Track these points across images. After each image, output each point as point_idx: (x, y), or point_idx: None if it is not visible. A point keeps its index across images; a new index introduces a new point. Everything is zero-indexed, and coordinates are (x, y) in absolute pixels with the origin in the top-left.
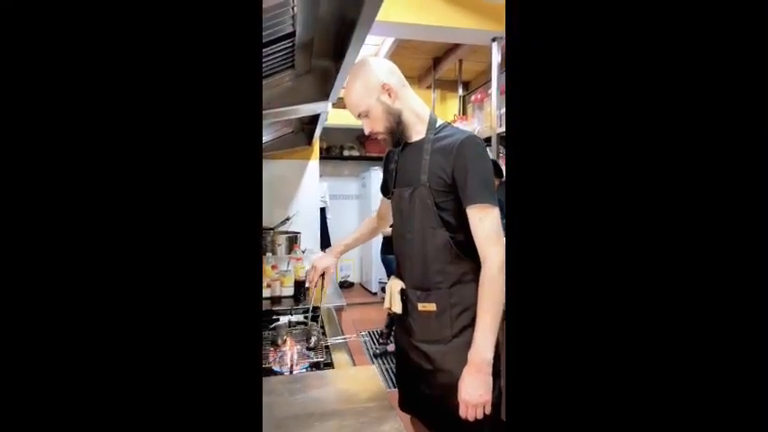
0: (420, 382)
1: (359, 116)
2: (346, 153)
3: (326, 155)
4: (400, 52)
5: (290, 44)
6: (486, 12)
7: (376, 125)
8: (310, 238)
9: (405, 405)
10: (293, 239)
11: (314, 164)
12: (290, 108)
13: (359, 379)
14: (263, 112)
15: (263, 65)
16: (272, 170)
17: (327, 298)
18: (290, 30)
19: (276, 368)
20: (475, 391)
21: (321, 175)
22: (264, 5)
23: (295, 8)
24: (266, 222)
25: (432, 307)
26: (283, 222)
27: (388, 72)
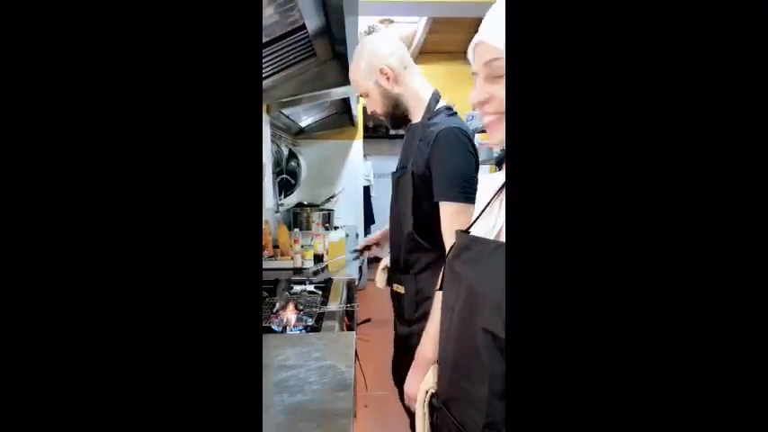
0: (398, 361)
1: (360, 96)
2: (392, 132)
3: (373, 134)
4: (438, 28)
5: (305, 35)
6: None
7: (374, 107)
8: (354, 215)
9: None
10: (327, 216)
11: (358, 144)
12: (316, 93)
13: (336, 341)
14: (291, 98)
15: (280, 57)
16: (317, 150)
17: (345, 272)
18: (300, 23)
19: (274, 327)
20: (412, 384)
21: (366, 155)
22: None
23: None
24: (311, 199)
25: (401, 289)
26: (328, 200)
27: (388, 54)
